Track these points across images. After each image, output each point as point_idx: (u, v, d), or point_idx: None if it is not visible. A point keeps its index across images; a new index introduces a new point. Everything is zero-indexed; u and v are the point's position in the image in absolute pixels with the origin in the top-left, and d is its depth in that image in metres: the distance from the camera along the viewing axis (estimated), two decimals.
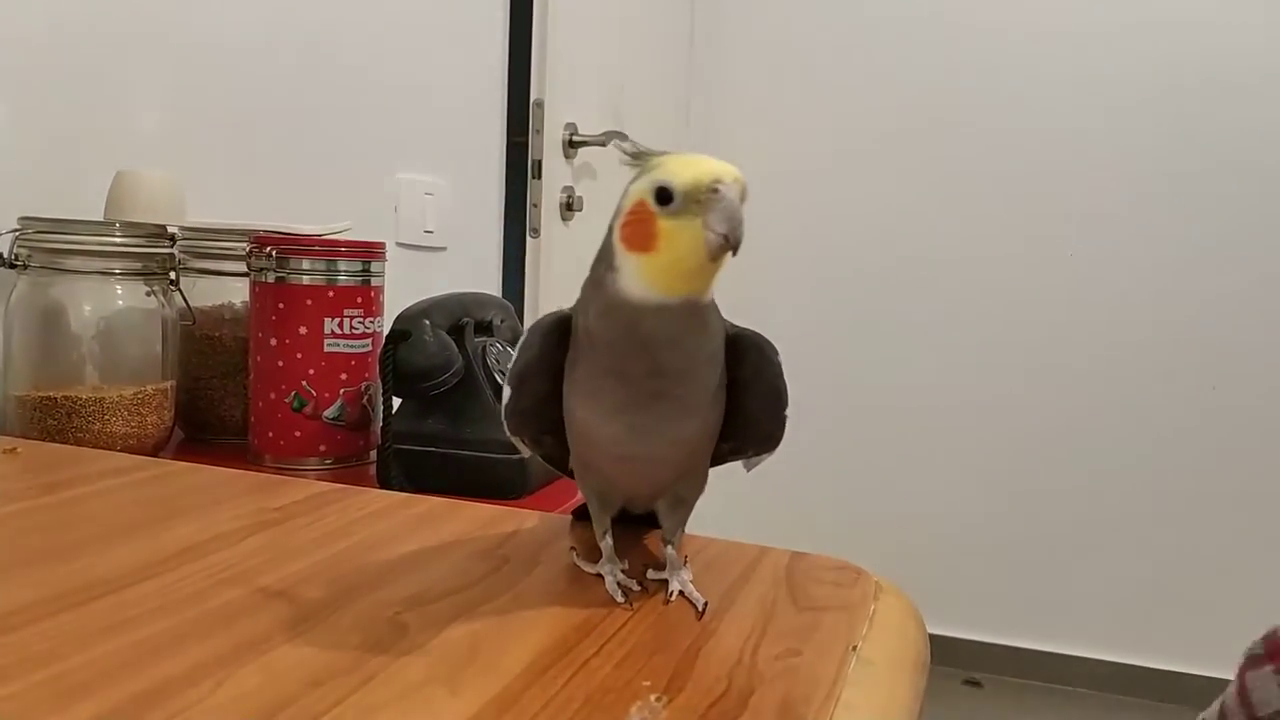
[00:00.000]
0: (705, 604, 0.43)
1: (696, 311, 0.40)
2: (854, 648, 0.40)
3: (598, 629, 0.40)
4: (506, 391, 0.45)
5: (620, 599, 0.43)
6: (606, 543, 0.47)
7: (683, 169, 0.37)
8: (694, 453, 0.46)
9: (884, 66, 2.42)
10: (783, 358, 0.44)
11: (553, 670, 0.36)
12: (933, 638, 1.88)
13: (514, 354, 0.44)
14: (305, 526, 0.51)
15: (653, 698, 0.34)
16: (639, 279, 0.38)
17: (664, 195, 0.37)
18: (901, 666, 0.41)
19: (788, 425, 0.47)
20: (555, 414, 0.46)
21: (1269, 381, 2.23)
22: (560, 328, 0.43)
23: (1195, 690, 2.26)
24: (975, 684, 2.35)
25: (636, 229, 0.38)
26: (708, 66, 2.53)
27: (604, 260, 0.40)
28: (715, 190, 0.37)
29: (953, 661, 2.38)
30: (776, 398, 0.46)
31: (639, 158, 0.40)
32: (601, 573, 0.46)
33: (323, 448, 0.91)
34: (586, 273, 0.42)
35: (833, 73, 2.47)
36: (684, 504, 0.48)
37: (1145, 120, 2.26)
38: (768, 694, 0.35)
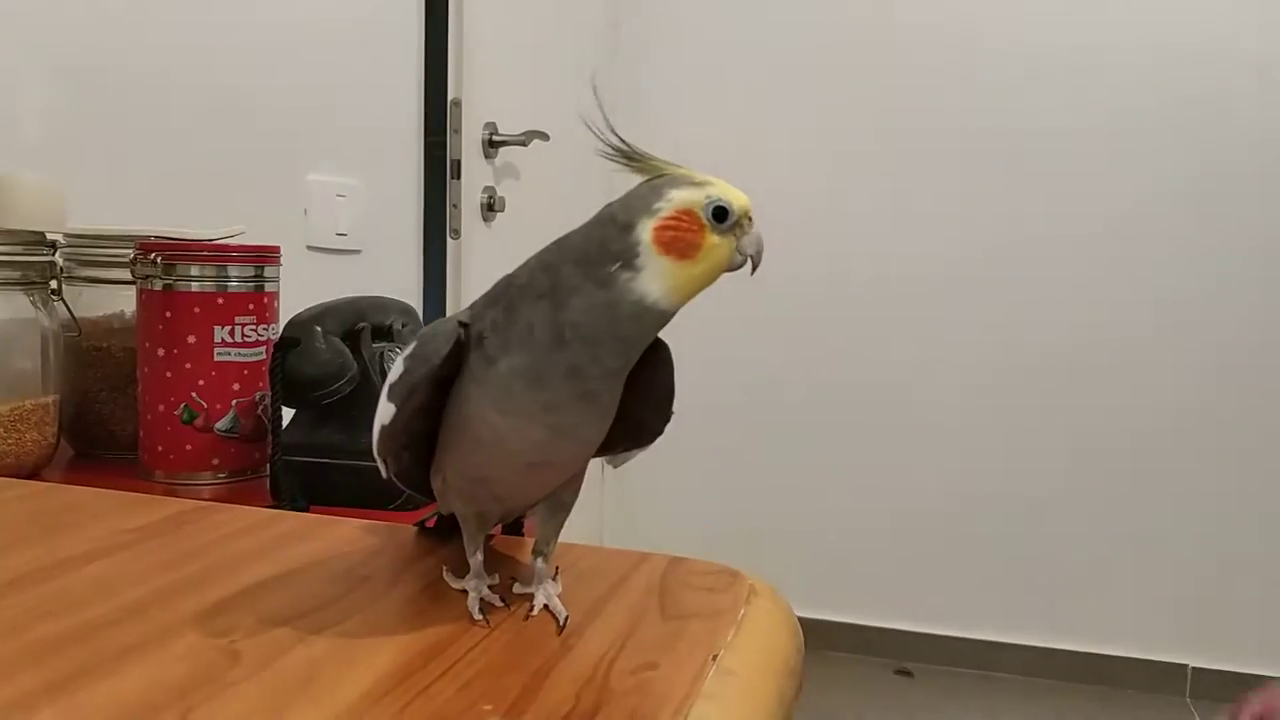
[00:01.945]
0: (566, 618, 0.42)
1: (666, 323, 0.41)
2: (714, 657, 0.39)
3: (448, 650, 0.38)
4: (389, 409, 0.42)
5: (478, 616, 0.42)
6: (477, 559, 0.45)
7: (734, 194, 0.41)
8: (590, 455, 0.45)
9: (817, 57, 2.43)
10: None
11: (390, 696, 0.34)
12: (864, 629, 1.90)
13: (400, 367, 0.42)
14: (158, 549, 0.49)
15: None
16: (664, 283, 0.39)
17: (721, 214, 0.40)
18: (765, 674, 0.40)
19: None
20: (420, 427, 0.44)
21: (1183, 375, 2.28)
22: (456, 335, 0.41)
23: (1116, 670, 2.31)
24: (906, 673, 2.37)
25: (682, 236, 0.39)
26: (632, 62, 2.52)
27: (615, 257, 0.39)
28: (750, 218, 0.41)
29: (883, 652, 2.40)
30: (668, 396, 0.46)
31: (636, 159, 0.42)
32: (466, 588, 0.44)
33: (216, 461, 0.88)
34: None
35: (763, 64, 2.47)
36: (564, 509, 0.47)
37: (1116, 104, 2.29)
38: (613, 712, 0.34)
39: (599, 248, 0.39)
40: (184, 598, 0.42)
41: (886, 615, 2.42)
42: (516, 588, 0.45)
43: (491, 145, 1.89)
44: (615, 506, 2.57)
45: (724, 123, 2.46)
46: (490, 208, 1.89)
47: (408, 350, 0.42)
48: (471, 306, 0.43)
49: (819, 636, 2.36)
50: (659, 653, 0.39)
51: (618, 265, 0.39)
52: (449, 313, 1.79)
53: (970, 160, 2.36)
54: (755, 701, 0.38)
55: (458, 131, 1.80)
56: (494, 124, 1.89)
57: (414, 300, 1.78)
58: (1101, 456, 2.33)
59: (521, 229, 1.95)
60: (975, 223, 2.36)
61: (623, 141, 0.41)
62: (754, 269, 0.42)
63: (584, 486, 0.47)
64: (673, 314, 0.40)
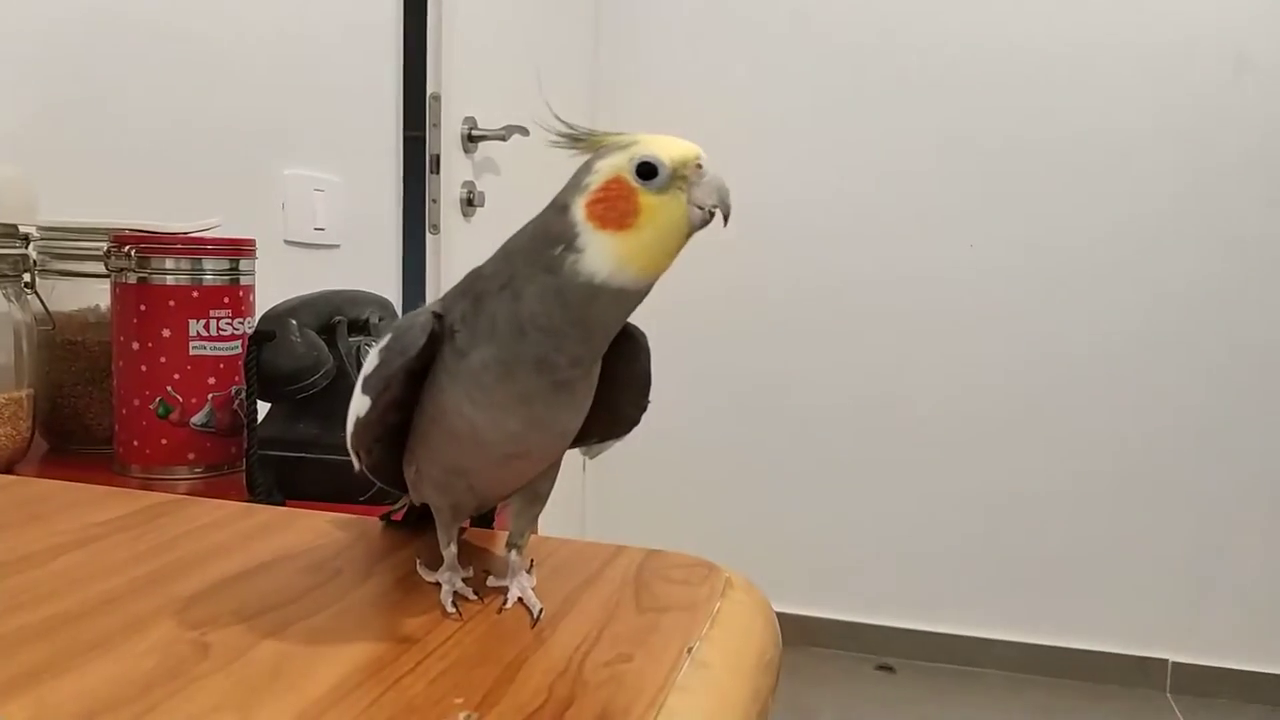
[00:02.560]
0: (540, 610, 0.42)
1: (643, 297, 0.39)
2: (689, 650, 0.38)
3: (420, 643, 0.38)
4: (364, 401, 0.42)
5: (450, 609, 0.41)
6: (450, 551, 0.45)
7: (667, 145, 0.38)
8: (567, 445, 0.44)
9: (808, 52, 2.42)
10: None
11: (359, 690, 0.34)
12: (846, 624, 1.90)
13: (375, 359, 0.41)
14: (128, 542, 0.48)
15: (461, 715, 0.32)
16: (610, 259, 0.37)
17: (648, 171, 0.37)
18: (740, 667, 0.39)
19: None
20: (394, 420, 0.43)
21: (1162, 374, 2.29)
22: (431, 326, 0.40)
23: (1097, 665, 2.32)
24: (888, 669, 2.37)
25: (613, 205, 0.37)
26: (615, 55, 2.51)
27: (556, 240, 0.38)
28: (699, 166, 0.38)
29: (865, 647, 2.40)
30: (645, 385, 0.45)
31: (581, 139, 0.39)
32: (440, 581, 0.44)
33: (192, 455, 0.88)
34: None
35: (747, 58, 2.46)
36: (539, 500, 0.47)
37: (1096, 105, 2.30)
38: (586, 705, 0.34)
39: (544, 233, 0.38)
40: (154, 591, 0.42)
41: (868, 611, 2.43)
42: (491, 580, 0.45)
43: (471, 140, 1.88)
44: (597, 501, 2.57)
45: (708, 117, 2.45)
46: (470, 203, 1.88)
47: (383, 342, 0.41)
48: (444, 298, 0.42)
49: (801, 632, 2.37)
50: (633, 645, 0.39)
51: (561, 248, 0.37)
52: None
53: (960, 163, 2.36)
54: (729, 694, 0.37)
55: (436, 126, 1.79)
56: (473, 118, 1.88)
57: (393, 296, 1.77)
58: (1082, 454, 2.34)
59: (501, 224, 1.92)
60: (962, 224, 2.37)
61: (566, 124, 0.40)
62: (725, 220, 0.39)
63: (566, 480, 0.47)
64: (637, 291, 0.38)
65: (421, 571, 0.46)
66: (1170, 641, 2.32)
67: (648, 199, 0.37)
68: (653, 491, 2.53)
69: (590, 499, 2.57)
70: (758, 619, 0.44)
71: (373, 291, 0.98)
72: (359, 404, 0.42)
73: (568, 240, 0.37)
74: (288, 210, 1.50)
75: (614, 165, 0.38)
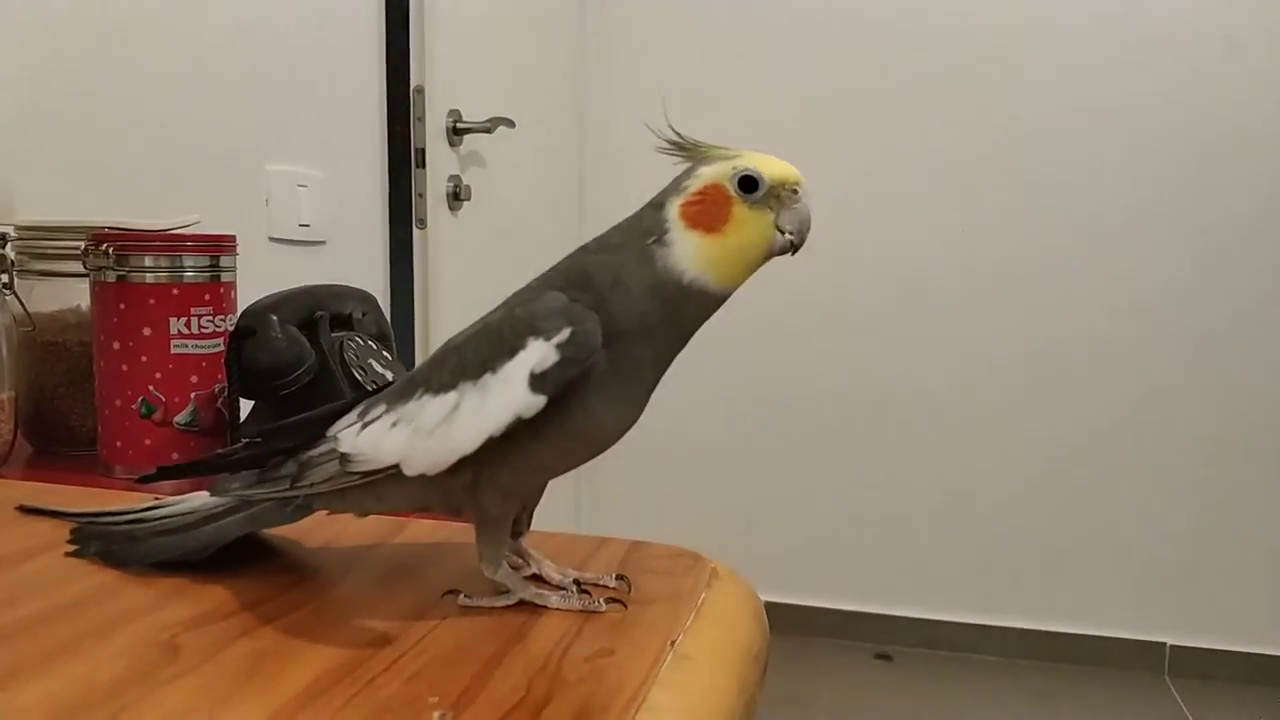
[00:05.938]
0: (619, 576, 0.43)
1: (721, 304, 0.40)
2: (672, 643, 0.38)
3: (397, 641, 0.37)
4: (537, 401, 0.37)
5: (600, 605, 0.41)
6: (506, 569, 0.42)
7: (770, 163, 0.40)
8: None
9: (788, 43, 2.42)
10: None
11: (333, 690, 0.33)
12: (843, 613, 1.89)
13: (554, 354, 0.38)
14: None
15: (436, 715, 0.32)
16: (695, 258, 0.39)
17: (749, 183, 0.39)
18: (724, 660, 0.39)
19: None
20: None
21: (1153, 361, 2.29)
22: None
23: (1095, 649, 2.32)
24: (886, 657, 2.37)
25: (706, 208, 0.39)
26: (600, 43, 2.50)
27: (648, 233, 0.39)
28: (795, 191, 0.40)
29: (863, 636, 2.40)
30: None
31: (688, 148, 0.41)
32: (526, 597, 0.41)
33: (175, 455, 0.86)
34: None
35: (732, 49, 2.45)
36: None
37: (1086, 90, 2.29)
38: (565, 702, 0.33)
39: (638, 226, 0.40)
40: (126, 592, 0.41)
41: (865, 599, 2.42)
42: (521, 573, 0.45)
43: (456, 133, 1.86)
44: (591, 489, 2.56)
45: (693, 107, 2.43)
46: (456, 196, 1.87)
47: (559, 336, 0.38)
48: (555, 283, 0.41)
49: (798, 621, 2.36)
50: (615, 639, 0.38)
51: (652, 240, 0.39)
52: (417, 302, 1.77)
53: (946, 151, 2.35)
54: (713, 688, 0.37)
55: (421, 119, 1.78)
56: (458, 111, 1.87)
57: (381, 291, 1.75)
58: (1078, 440, 2.34)
59: (489, 217, 1.93)
60: (948, 213, 2.36)
61: (676, 133, 0.41)
62: (794, 249, 0.41)
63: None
64: (717, 295, 0.39)
65: (476, 602, 0.41)
66: (1168, 624, 2.32)
67: (740, 209, 0.39)
68: (648, 480, 2.52)
69: (584, 487, 2.56)
70: (744, 610, 0.44)
71: (356, 286, 0.97)
72: (527, 402, 0.38)
73: (658, 234, 0.39)
74: (272, 207, 1.49)
75: (716, 173, 0.40)
